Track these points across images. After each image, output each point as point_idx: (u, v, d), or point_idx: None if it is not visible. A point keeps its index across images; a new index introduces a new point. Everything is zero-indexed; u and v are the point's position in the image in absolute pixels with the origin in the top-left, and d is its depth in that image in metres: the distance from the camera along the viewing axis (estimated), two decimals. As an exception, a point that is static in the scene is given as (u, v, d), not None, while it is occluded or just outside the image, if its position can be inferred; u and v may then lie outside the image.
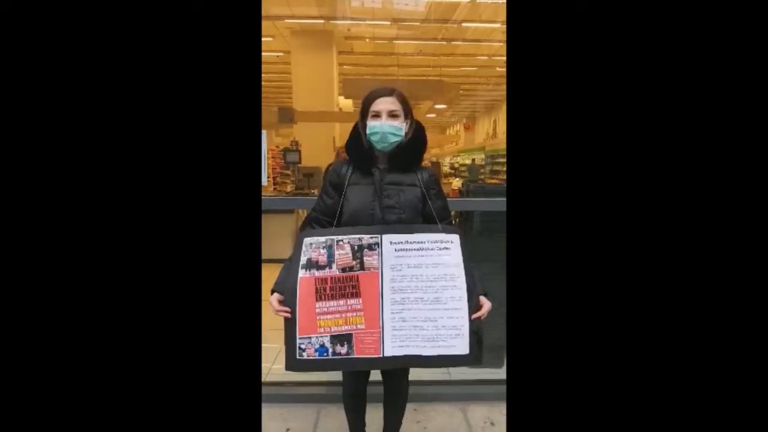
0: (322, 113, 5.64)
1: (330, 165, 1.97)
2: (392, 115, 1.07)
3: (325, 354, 1.01)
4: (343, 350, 1.00)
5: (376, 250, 1.02)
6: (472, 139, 15.21)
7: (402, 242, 1.02)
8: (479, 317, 1.03)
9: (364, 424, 1.32)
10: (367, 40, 6.91)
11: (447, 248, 1.04)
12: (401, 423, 1.31)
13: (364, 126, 1.09)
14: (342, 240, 1.03)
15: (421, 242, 1.03)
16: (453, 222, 1.17)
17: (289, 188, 4.82)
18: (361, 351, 1.00)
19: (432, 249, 1.03)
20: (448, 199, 1.20)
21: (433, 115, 14.02)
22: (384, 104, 1.07)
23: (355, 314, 1.01)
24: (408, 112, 1.10)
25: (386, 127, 1.06)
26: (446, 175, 9.67)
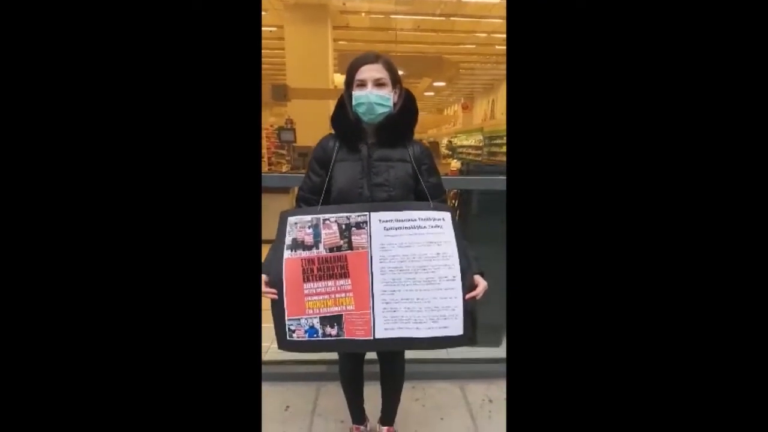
0: (317, 90, 5.47)
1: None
2: (379, 83, 0.99)
3: (315, 335, 0.98)
4: (333, 332, 0.97)
5: (364, 228, 0.98)
6: (470, 119, 14.97)
7: (391, 220, 0.98)
8: (474, 297, 0.99)
9: (362, 402, 1.31)
10: (364, 14, 6.67)
11: (439, 226, 0.99)
12: (399, 401, 1.30)
13: (350, 97, 1.02)
14: (329, 219, 0.98)
15: (412, 220, 0.98)
16: (447, 201, 1.12)
17: (284, 168, 4.74)
18: (352, 333, 0.97)
19: (423, 227, 0.98)
20: (446, 177, 1.15)
21: (431, 94, 13.71)
22: (369, 72, 0.99)
23: (344, 295, 0.97)
24: (396, 81, 1.02)
25: (372, 97, 0.98)
26: (444, 156, 9.55)
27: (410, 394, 1.60)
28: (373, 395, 1.32)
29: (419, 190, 1.06)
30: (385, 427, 1.31)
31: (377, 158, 1.03)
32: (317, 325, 0.97)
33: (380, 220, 0.98)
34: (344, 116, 1.03)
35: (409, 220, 0.98)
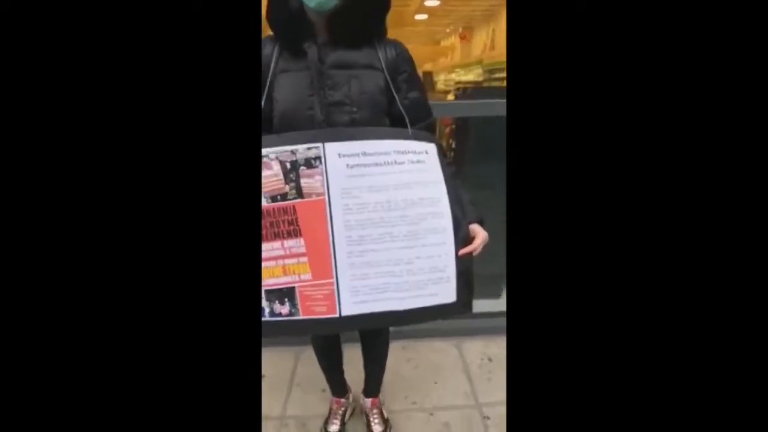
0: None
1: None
2: None
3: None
4: (284, 309, 0.73)
5: (318, 167, 0.69)
6: (469, 51, 13.85)
7: (356, 154, 0.69)
8: (470, 253, 0.74)
9: (342, 373, 1.13)
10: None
11: (421, 161, 0.71)
12: (384, 370, 1.12)
13: None
14: (267, 155, 0.69)
15: (385, 153, 0.70)
16: (435, 128, 0.82)
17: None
18: (309, 310, 0.73)
19: (401, 163, 0.70)
20: (440, 103, 0.84)
21: (423, 17, 12.30)
22: None
23: (296, 261, 0.72)
24: None
25: None
26: (445, 92, 8.86)
27: (401, 354, 1.44)
28: (355, 357, 1.13)
29: (395, 112, 0.75)
30: (369, 399, 1.14)
31: (333, 64, 0.72)
32: (263, 302, 0.73)
33: (340, 155, 0.69)
34: (282, 5, 0.70)
35: (381, 154, 0.70)
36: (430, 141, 0.74)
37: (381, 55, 0.74)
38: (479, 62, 11.23)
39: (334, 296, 0.73)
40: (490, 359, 1.42)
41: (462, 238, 0.74)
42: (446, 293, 0.74)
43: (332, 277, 0.72)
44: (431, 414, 1.21)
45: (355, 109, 0.71)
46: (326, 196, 0.70)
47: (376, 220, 0.71)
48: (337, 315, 0.73)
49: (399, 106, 0.74)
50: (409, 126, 0.73)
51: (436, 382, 1.33)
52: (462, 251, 0.73)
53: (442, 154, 0.74)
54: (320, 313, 0.73)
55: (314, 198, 0.70)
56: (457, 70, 13.26)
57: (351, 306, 0.73)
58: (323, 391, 1.26)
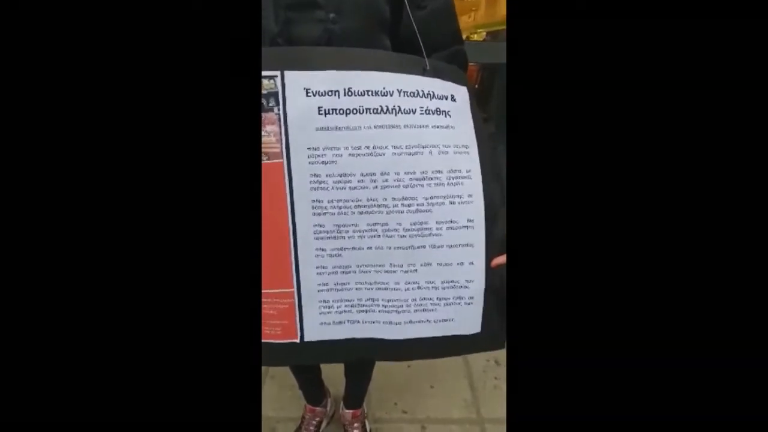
0: None
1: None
2: None
3: None
4: (220, 324, 0.49)
5: (272, 110, 0.43)
6: (495, 11, 12.91)
7: (335, 91, 0.43)
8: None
9: (317, 374, 0.94)
10: None
11: (442, 112, 0.44)
12: (370, 380, 0.92)
13: None
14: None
15: (384, 92, 0.43)
16: (465, 63, 0.54)
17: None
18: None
19: (409, 112, 0.44)
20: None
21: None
22: None
23: (235, 257, 0.47)
24: None
25: None
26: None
27: (394, 352, 1.23)
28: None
29: (405, 32, 0.47)
30: (350, 411, 0.94)
31: None
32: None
33: (308, 91, 0.42)
34: None
35: (376, 94, 0.43)
36: (458, 81, 0.46)
37: None
38: (504, 23, 10.49)
39: (293, 313, 0.48)
40: (497, 362, 1.22)
41: (500, 237, 0.48)
42: (467, 320, 0.50)
43: (292, 286, 0.47)
44: (423, 427, 1.02)
45: (332, 15, 0.43)
46: (284, 159, 0.43)
47: (364, 203, 0.45)
48: (298, 340, 0.49)
49: (411, 24, 0.46)
50: (424, 53, 0.45)
51: (432, 387, 1.13)
52: (497, 260, 0.48)
53: (475, 104, 0.47)
54: (273, 336, 0.49)
55: (265, 161, 0.43)
56: (479, 30, 12.40)
57: (318, 329, 0.49)
58: (300, 389, 1.06)
